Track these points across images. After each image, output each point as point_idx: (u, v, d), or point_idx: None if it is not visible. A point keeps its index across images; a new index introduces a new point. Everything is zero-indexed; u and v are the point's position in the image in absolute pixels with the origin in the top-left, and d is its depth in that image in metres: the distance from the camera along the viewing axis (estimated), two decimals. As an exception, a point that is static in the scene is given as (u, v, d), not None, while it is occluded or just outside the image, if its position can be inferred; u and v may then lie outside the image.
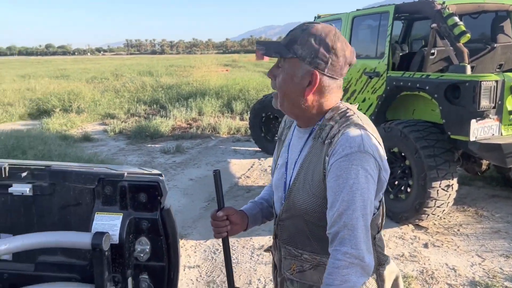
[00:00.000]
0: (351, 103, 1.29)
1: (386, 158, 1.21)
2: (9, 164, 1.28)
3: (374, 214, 1.21)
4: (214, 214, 1.38)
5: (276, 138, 1.52)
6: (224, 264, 1.39)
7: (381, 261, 1.30)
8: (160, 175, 1.27)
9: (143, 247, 1.27)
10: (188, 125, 9.80)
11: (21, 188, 1.25)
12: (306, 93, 1.21)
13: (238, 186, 5.59)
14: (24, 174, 1.27)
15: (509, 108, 3.73)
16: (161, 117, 10.28)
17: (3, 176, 1.27)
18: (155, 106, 12.17)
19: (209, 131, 9.14)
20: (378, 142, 1.19)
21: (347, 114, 1.21)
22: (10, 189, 1.25)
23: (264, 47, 1.25)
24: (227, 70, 21.66)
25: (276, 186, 1.37)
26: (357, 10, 5.36)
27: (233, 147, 7.85)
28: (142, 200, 1.25)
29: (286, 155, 1.35)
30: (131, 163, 6.78)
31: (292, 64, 1.21)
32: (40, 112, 11.78)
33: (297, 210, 1.25)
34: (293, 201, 1.26)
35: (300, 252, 1.30)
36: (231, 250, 1.41)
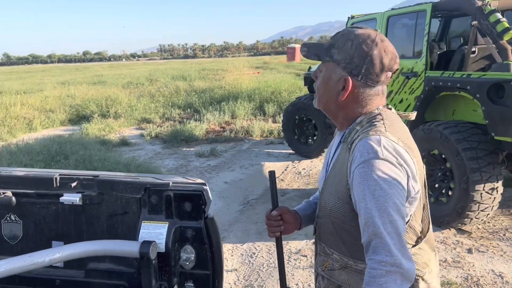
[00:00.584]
0: (387, 104, 1.27)
1: (416, 167, 1.16)
2: (59, 174, 1.33)
3: (407, 220, 1.19)
4: (269, 214, 1.41)
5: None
6: (277, 266, 1.44)
7: (418, 272, 1.24)
8: (204, 184, 1.28)
9: (188, 255, 1.29)
10: (222, 129, 9.89)
11: (71, 198, 1.29)
12: (340, 97, 1.22)
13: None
14: (74, 184, 1.32)
15: (557, 108, 3.54)
16: (195, 121, 10.42)
17: (55, 186, 1.32)
18: (189, 110, 12.35)
19: (242, 134, 9.18)
20: (406, 150, 1.15)
21: (374, 120, 1.19)
22: (61, 199, 1.30)
23: (306, 49, 1.28)
24: (258, 73, 21.72)
25: (319, 185, 1.40)
26: (392, 9, 5.25)
27: (266, 150, 7.86)
28: (186, 209, 1.27)
29: (327, 157, 1.39)
30: (167, 167, 6.91)
31: (329, 68, 1.23)
32: (79, 118, 12.20)
33: (325, 210, 1.28)
34: (324, 201, 1.29)
35: (331, 251, 1.31)
36: (280, 252, 1.44)
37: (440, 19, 6.37)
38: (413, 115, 1.32)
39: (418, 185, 1.17)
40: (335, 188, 1.23)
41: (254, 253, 3.88)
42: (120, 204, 1.32)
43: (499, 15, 3.86)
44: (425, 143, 4.24)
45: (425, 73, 4.51)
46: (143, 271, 1.22)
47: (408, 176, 1.13)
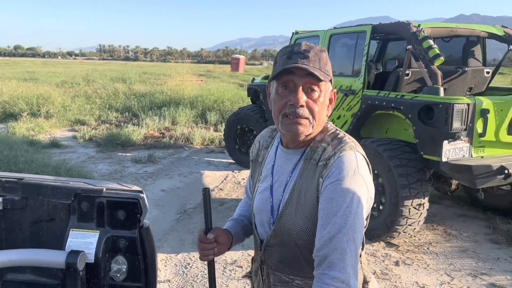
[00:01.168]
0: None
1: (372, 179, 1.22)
2: (-23, 176, 1.20)
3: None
4: (203, 236, 1.32)
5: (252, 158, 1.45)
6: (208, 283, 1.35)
7: (366, 278, 1.30)
8: (141, 191, 1.22)
9: (119, 266, 1.21)
10: (161, 135, 9.66)
11: (-10, 202, 1.17)
12: (327, 112, 1.23)
13: (211, 199, 5.50)
14: (-7, 186, 1.20)
15: (479, 131, 3.84)
16: (133, 125, 10.09)
17: (-29, 188, 1.19)
18: (127, 113, 11.95)
19: (182, 141, 9.03)
20: (367, 164, 1.20)
21: (339, 136, 1.22)
22: None
23: (309, 66, 1.13)
24: (201, 80, 21.58)
25: (259, 210, 1.32)
26: (335, 28, 5.45)
27: (206, 159, 7.78)
28: (120, 217, 1.19)
29: (271, 178, 1.30)
30: (100, 172, 6.60)
31: (327, 87, 1.20)
32: (6, 116, 11.35)
33: (288, 234, 1.22)
34: (284, 225, 1.22)
35: (291, 278, 1.26)
36: (212, 277, 1.37)
37: (378, 41, 6.73)
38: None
39: (373, 196, 1.21)
40: (302, 208, 1.19)
41: (188, 264, 3.78)
42: (47, 210, 1.21)
43: (431, 41, 4.13)
44: (360, 159, 4.40)
45: (363, 91, 4.71)
46: (68, 283, 1.12)
47: (369, 190, 1.17)
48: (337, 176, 1.12)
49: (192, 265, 3.76)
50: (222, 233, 1.35)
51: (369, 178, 1.18)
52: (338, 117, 5.12)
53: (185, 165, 7.22)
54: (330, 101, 1.24)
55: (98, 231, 1.18)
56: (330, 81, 1.20)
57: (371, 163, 4.12)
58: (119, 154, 7.94)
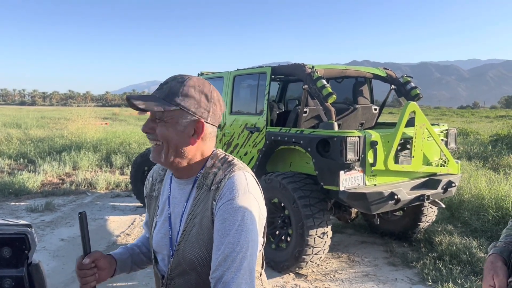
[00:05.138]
0: (234, 156, 1.35)
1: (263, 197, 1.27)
2: None
3: (259, 250, 1.24)
4: (80, 262, 1.26)
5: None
6: None
7: None
8: (29, 226, 1.14)
9: (4, 310, 1.10)
10: (61, 181, 9.02)
11: None
12: (192, 142, 1.22)
13: (117, 245, 5.22)
14: None
15: (370, 161, 4.21)
16: (29, 172, 9.30)
17: None
18: (22, 160, 11.00)
19: (84, 187, 8.51)
20: (257, 183, 1.26)
21: (228, 160, 1.27)
22: None
23: (142, 101, 1.19)
24: (106, 124, 20.77)
25: (160, 246, 1.30)
26: (238, 69, 5.70)
27: (111, 203, 7.40)
28: (6, 255, 1.10)
29: (168, 210, 1.31)
30: (-12, 224, 5.92)
31: (176, 115, 1.20)
32: None
33: (189, 263, 1.22)
34: (183, 255, 1.22)
35: None
36: None
37: (279, 82, 7.15)
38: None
39: (265, 213, 1.25)
40: (199, 235, 1.20)
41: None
42: None
43: (324, 81, 4.51)
44: (266, 192, 4.53)
45: (266, 128, 4.93)
46: None
47: (260, 208, 1.20)
48: (228, 196, 1.15)
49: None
50: (101, 257, 1.30)
51: (260, 196, 1.22)
52: (246, 154, 5.27)
53: (87, 212, 6.78)
54: (196, 131, 1.23)
55: (-22, 272, 1.08)
56: (193, 111, 1.20)
57: (277, 196, 4.27)
58: (12, 203, 7.22)
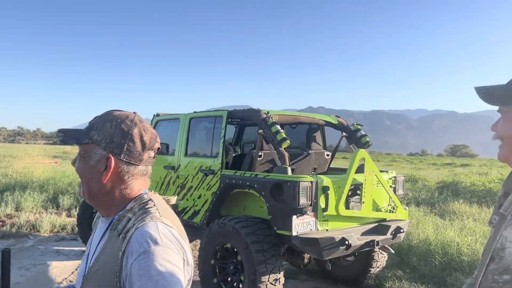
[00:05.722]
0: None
1: (190, 251, 1.19)
2: None
3: None
4: None
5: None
6: None
7: None
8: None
9: None
10: (1, 223, 8.44)
11: None
12: (103, 178, 1.18)
13: None
14: None
15: (322, 206, 4.26)
16: (-35, 213, 8.66)
17: None
18: (-42, 200, 10.25)
19: (27, 229, 7.99)
20: (180, 234, 1.17)
21: (146, 206, 1.19)
22: None
23: (63, 134, 1.22)
24: (56, 162, 19.94)
25: (78, 282, 1.24)
26: (194, 112, 5.73)
27: (55, 247, 6.97)
28: None
29: (89, 247, 1.28)
30: None
31: (89, 149, 1.20)
32: None
33: None
34: None
35: None
36: None
37: (236, 126, 7.23)
38: (173, 199, 1.35)
39: (191, 270, 1.17)
40: (97, 281, 1.12)
41: None
42: None
43: (278, 126, 4.61)
44: (219, 237, 4.47)
45: (221, 171, 4.92)
46: None
47: (184, 261, 1.13)
48: (139, 251, 1.06)
49: None
50: None
51: (180, 248, 1.13)
52: (199, 196, 5.19)
53: (28, 257, 6.34)
54: (107, 167, 1.18)
55: None
56: (103, 145, 1.19)
57: (230, 241, 4.20)
58: None
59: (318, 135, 5.81)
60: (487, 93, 1.06)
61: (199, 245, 4.93)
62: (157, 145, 1.26)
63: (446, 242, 5.88)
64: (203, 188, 5.14)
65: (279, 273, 4.18)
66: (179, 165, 5.56)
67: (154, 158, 1.26)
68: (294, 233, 4.04)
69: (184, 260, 1.13)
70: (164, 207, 1.23)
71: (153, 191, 1.30)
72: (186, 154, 5.53)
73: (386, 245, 4.74)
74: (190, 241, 5.34)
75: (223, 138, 5.04)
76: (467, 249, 5.61)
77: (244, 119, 5.85)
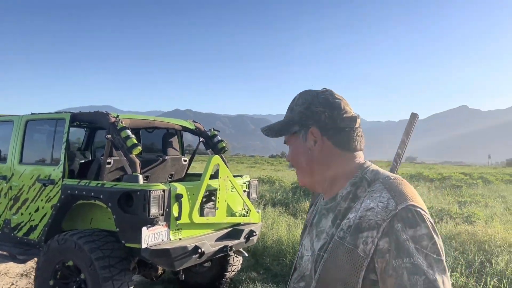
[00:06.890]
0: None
1: None
2: None
3: None
4: None
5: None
6: None
7: None
8: None
9: None
10: None
11: None
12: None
13: None
14: None
15: (175, 215, 4.11)
16: None
17: None
18: None
19: None
20: None
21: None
22: None
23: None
24: None
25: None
26: (32, 113, 5.06)
27: None
28: None
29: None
30: None
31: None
32: None
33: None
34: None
35: None
36: None
37: (86, 129, 6.63)
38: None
39: None
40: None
41: None
42: None
43: (129, 132, 4.30)
44: (59, 255, 4.01)
45: (63, 181, 4.40)
46: None
47: None
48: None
49: None
50: None
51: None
52: (37, 210, 4.58)
53: None
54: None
55: None
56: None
57: (72, 258, 3.74)
58: None
59: (175, 140, 5.64)
60: (268, 129, 1.22)
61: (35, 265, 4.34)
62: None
63: (296, 240, 6.24)
64: (41, 200, 4.55)
65: (128, 289, 3.89)
66: (12, 174, 4.84)
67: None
68: (143, 246, 3.80)
69: None
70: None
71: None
72: (21, 162, 4.84)
73: (240, 249, 4.80)
74: (24, 261, 4.67)
75: (65, 143, 4.53)
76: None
77: (91, 123, 5.37)
